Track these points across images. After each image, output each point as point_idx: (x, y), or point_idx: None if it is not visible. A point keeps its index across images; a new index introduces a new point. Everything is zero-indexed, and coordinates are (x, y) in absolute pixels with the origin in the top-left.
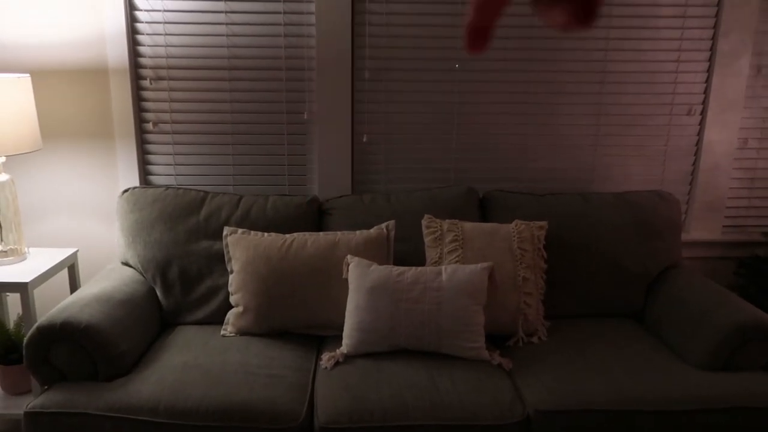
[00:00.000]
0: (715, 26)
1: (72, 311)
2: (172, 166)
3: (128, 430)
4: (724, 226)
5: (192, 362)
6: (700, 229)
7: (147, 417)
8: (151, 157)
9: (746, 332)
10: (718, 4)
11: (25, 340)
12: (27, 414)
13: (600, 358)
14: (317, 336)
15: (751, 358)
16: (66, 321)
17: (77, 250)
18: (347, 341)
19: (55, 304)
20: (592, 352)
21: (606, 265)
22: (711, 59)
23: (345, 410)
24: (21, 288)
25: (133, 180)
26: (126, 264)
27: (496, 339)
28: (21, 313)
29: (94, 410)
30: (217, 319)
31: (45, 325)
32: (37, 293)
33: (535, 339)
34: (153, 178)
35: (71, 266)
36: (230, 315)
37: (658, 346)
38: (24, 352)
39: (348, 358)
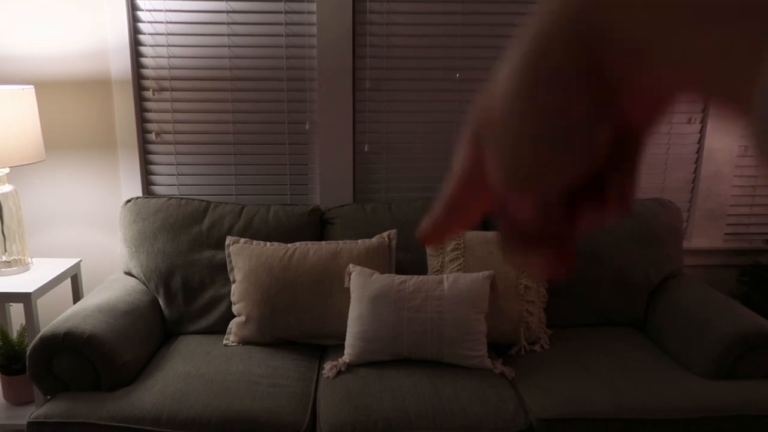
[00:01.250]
0: None
1: (75, 321)
2: (174, 176)
3: None
4: (725, 234)
5: (194, 372)
6: (702, 237)
7: (150, 427)
8: (154, 168)
9: (749, 340)
10: None
11: (28, 350)
12: (30, 424)
13: (602, 367)
14: (319, 345)
15: (754, 367)
16: (69, 331)
17: (80, 260)
18: (349, 350)
19: (59, 315)
20: (594, 360)
21: (607, 273)
22: None
23: (348, 420)
24: (24, 298)
25: (136, 190)
26: (129, 274)
27: (499, 348)
28: (24, 323)
29: (96, 420)
30: (219, 328)
31: (48, 336)
32: (41, 303)
33: (537, 347)
34: (156, 189)
35: (74, 276)
36: (233, 324)
37: (660, 354)
38: (27, 362)
39: (350, 367)
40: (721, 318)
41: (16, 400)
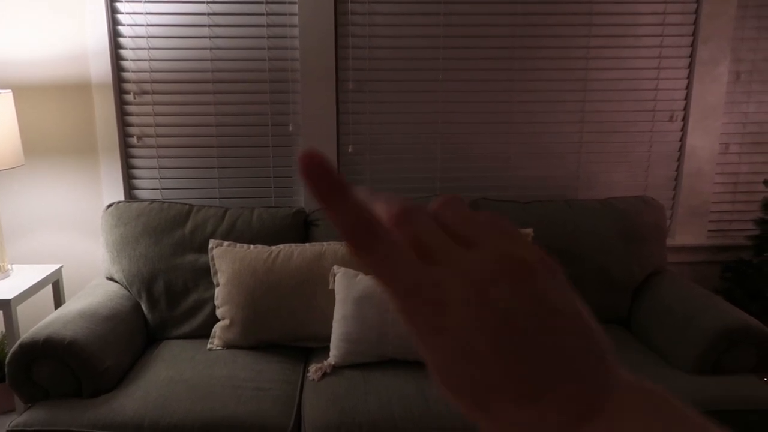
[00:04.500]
0: (694, 34)
1: (55, 327)
2: (157, 180)
3: None
4: (708, 231)
5: (178, 377)
6: (685, 234)
7: None
8: (136, 172)
9: (732, 336)
10: (696, 12)
11: (8, 357)
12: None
13: None
14: (304, 348)
15: (738, 362)
16: (49, 337)
17: (61, 266)
18: (334, 352)
19: (39, 321)
20: None
21: (592, 271)
22: (691, 66)
23: (333, 423)
24: (4, 305)
25: (118, 194)
26: (111, 279)
27: None
28: (4, 330)
29: (77, 428)
30: (203, 332)
31: (27, 342)
32: (21, 310)
33: None
34: (138, 193)
35: (55, 282)
36: (217, 328)
37: (644, 351)
38: (6, 369)
39: (335, 369)
40: (704, 314)
41: None
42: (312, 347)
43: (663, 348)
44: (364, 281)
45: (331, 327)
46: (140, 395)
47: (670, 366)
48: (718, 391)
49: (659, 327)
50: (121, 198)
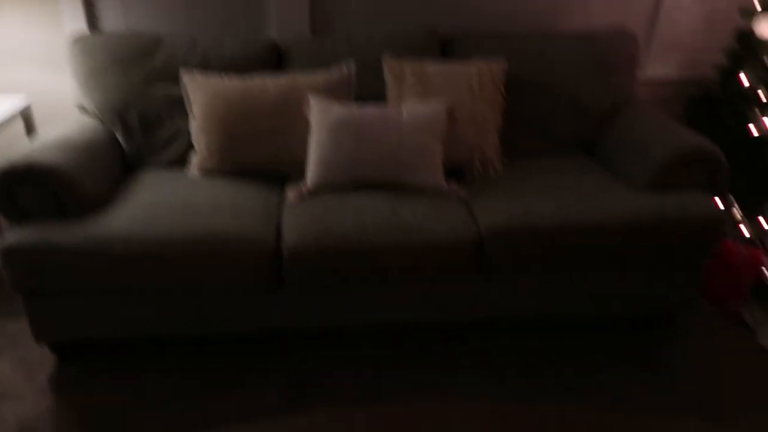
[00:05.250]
0: None
1: (33, 155)
2: (120, 10)
3: (104, 262)
4: (680, 64)
5: (160, 200)
6: (658, 67)
7: (121, 248)
8: (98, 1)
9: (686, 155)
10: None
11: None
12: (3, 251)
13: (550, 186)
14: (281, 175)
15: (690, 179)
16: (28, 163)
17: (28, 97)
18: (311, 176)
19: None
20: (543, 181)
21: (563, 102)
22: None
23: (311, 236)
24: None
25: (79, 24)
26: (83, 110)
27: (455, 173)
28: None
29: (67, 244)
30: (181, 161)
31: (7, 168)
32: None
33: (491, 172)
34: (101, 23)
35: (27, 118)
36: (194, 156)
37: (606, 174)
38: None
39: (312, 192)
40: (663, 138)
41: None
42: (289, 174)
43: (623, 171)
44: (339, 109)
45: (306, 154)
46: (125, 215)
47: (627, 186)
48: (668, 204)
49: (622, 151)
50: (83, 27)
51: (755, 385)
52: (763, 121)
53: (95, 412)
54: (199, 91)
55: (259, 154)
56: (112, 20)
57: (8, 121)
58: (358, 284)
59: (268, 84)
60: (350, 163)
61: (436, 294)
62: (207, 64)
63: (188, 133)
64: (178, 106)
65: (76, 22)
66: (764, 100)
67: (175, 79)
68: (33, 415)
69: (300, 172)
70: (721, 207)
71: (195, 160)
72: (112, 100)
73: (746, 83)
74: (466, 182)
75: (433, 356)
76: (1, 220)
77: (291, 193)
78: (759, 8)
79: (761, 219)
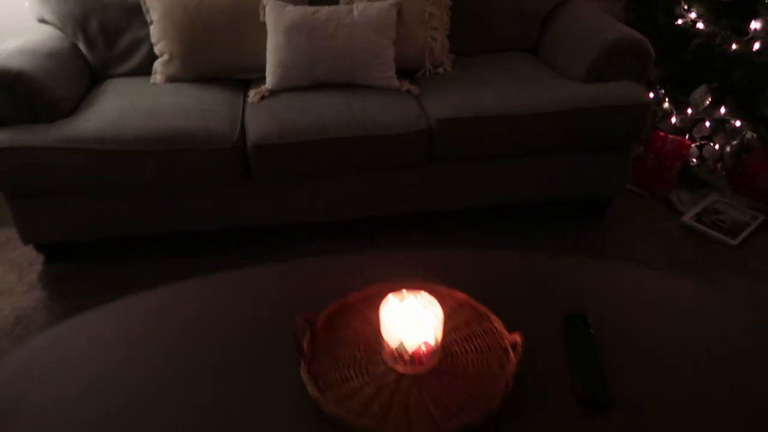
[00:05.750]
0: None
1: None
2: None
3: (80, 160)
4: None
5: (128, 105)
6: None
7: (95, 146)
8: None
9: (616, 45)
10: None
11: None
12: None
13: (494, 81)
14: (243, 79)
15: (621, 70)
16: None
17: None
18: (270, 78)
19: None
20: (488, 77)
21: (503, 4)
22: None
23: (273, 131)
24: None
25: None
26: (44, 22)
27: (406, 72)
28: None
29: (43, 143)
30: (145, 70)
31: None
32: None
33: (440, 70)
34: None
35: None
36: (157, 64)
37: (547, 70)
38: None
39: (273, 93)
40: (597, 32)
41: None
42: (250, 78)
43: (562, 64)
44: (293, 11)
45: (265, 58)
46: (96, 118)
47: (565, 78)
48: (601, 93)
49: (561, 47)
50: None
51: (675, 252)
52: (688, 16)
53: (84, 300)
54: None
55: (220, 60)
56: None
57: None
58: (319, 178)
59: None
60: (306, 64)
61: (392, 187)
62: None
63: (149, 43)
64: (137, 15)
65: None
66: None
67: None
68: (27, 307)
69: (261, 77)
70: (651, 96)
71: (158, 68)
72: (71, 11)
73: None
74: (418, 81)
75: (385, 247)
76: None
77: (253, 95)
78: None
79: (689, 111)
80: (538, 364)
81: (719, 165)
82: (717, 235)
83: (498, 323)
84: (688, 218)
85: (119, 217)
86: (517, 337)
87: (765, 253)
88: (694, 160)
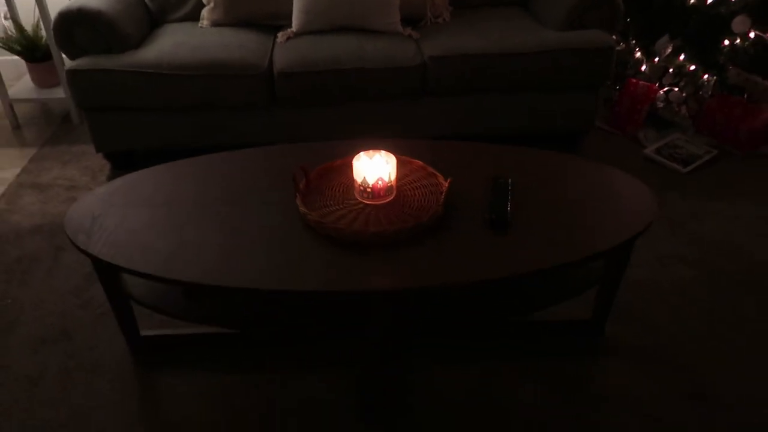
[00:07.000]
0: None
1: (82, 2)
2: None
3: (142, 81)
4: None
5: (180, 42)
6: None
7: (153, 70)
8: None
9: None
10: None
11: (52, 24)
12: (69, 71)
13: (484, 29)
14: (273, 26)
15: (594, 20)
16: (81, 7)
17: None
18: (295, 22)
19: None
20: (479, 25)
21: None
22: None
23: (296, 62)
24: None
25: None
26: None
27: (410, 21)
28: (39, 15)
29: (115, 67)
30: (194, 16)
31: (65, 11)
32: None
33: (440, 20)
34: None
35: None
36: (204, 11)
37: (532, 20)
38: (53, 33)
39: (297, 35)
40: None
41: (42, 83)
42: (280, 24)
43: (544, 16)
44: None
45: (292, 7)
46: (156, 50)
47: (545, 26)
48: (573, 37)
49: (544, 1)
50: None
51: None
52: None
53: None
54: None
55: (255, 8)
56: None
57: None
58: (334, 104)
59: None
60: (325, 10)
61: (393, 115)
62: None
63: None
64: None
65: None
66: None
67: None
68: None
69: (289, 23)
70: (621, 45)
71: (204, 14)
72: None
73: None
74: (420, 28)
75: None
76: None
77: (281, 36)
78: None
79: (656, 60)
80: (468, 204)
81: (684, 108)
82: (671, 164)
83: (441, 178)
84: (649, 150)
85: (171, 131)
86: (447, 183)
87: (709, 181)
88: (660, 103)
